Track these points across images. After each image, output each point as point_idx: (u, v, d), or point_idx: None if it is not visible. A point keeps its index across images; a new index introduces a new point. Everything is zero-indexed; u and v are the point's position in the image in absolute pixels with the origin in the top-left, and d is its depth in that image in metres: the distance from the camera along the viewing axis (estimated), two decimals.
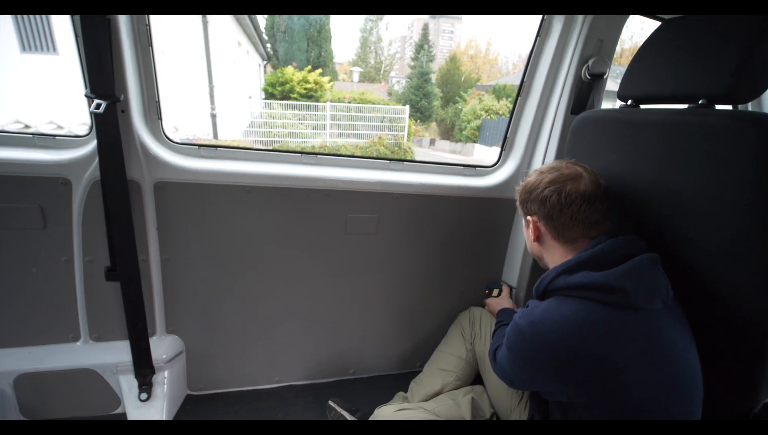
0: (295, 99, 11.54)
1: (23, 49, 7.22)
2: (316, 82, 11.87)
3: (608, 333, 0.74)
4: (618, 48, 1.35)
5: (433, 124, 19.86)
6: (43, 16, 7.30)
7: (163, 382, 1.43)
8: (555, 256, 0.93)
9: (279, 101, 11.33)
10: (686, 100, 0.89)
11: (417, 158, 10.63)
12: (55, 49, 7.39)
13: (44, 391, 1.37)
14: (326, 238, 1.48)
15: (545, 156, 1.46)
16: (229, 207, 1.37)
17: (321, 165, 1.47)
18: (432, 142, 18.25)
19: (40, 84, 7.18)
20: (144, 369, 1.36)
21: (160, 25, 7.26)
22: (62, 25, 7.59)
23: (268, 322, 1.54)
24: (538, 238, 0.95)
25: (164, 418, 1.41)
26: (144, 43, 1.19)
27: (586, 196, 0.86)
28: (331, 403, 1.45)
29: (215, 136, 9.03)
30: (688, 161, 0.83)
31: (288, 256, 1.47)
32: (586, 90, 1.37)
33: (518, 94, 1.51)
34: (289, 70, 12.12)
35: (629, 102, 1.02)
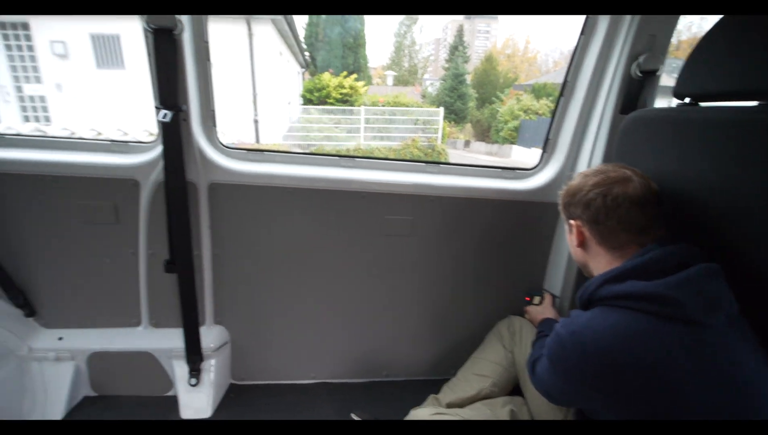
0: (331, 104, 11.81)
1: (98, 65, 8.10)
2: (351, 87, 12.07)
3: (658, 346, 0.68)
4: (673, 39, 1.25)
5: (468, 126, 19.50)
6: (116, 36, 8.09)
7: (210, 369, 1.52)
8: (600, 263, 0.88)
9: (316, 106, 11.65)
10: (754, 97, 0.81)
11: (451, 160, 10.50)
12: (122, 65, 8.20)
13: (111, 369, 1.51)
14: (363, 239, 1.50)
15: (591, 158, 1.39)
16: (273, 207, 1.43)
17: (359, 168, 1.49)
18: (467, 143, 17.94)
19: (111, 95, 7.97)
20: (194, 356, 1.46)
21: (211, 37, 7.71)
22: (129, 44, 8.34)
23: (307, 319, 1.59)
24: (581, 243, 0.91)
25: (210, 404, 1.50)
26: (203, 58, 1.28)
27: (635, 199, 0.80)
28: (353, 416, 1.46)
29: (257, 140, 9.46)
30: (755, 164, 0.75)
31: (326, 255, 1.51)
32: (636, 88, 1.29)
33: (561, 94, 1.45)
34: (326, 76, 12.42)
35: (687, 100, 0.95)
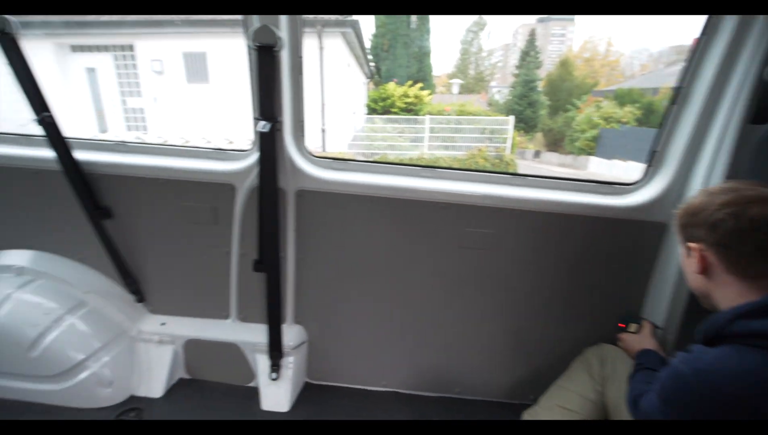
0: (395, 113, 12.08)
1: (188, 80, 9.30)
2: (416, 96, 12.24)
3: None
4: None
5: (538, 135, 18.63)
6: (203, 54, 9.20)
7: (289, 366, 1.63)
8: (729, 295, 0.79)
9: (380, 116, 11.99)
10: None
11: (520, 171, 10.09)
12: (207, 79, 9.29)
13: (202, 356, 1.69)
14: (441, 250, 1.51)
15: (709, 174, 1.26)
16: (354, 215, 1.51)
17: (438, 178, 1.51)
18: (537, 153, 17.13)
19: (199, 107, 9.07)
20: (275, 352, 1.58)
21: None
22: (212, 60, 9.38)
23: (381, 326, 1.64)
24: (704, 270, 0.83)
25: (288, 399, 1.61)
26: (297, 72, 1.40)
27: None
28: None
29: (323, 148, 9.98)
30: None
31: (404, 264, 1.55)
32: None
33: (672, 102, 1.34)
34: (391, 86, 12.74)
35: None
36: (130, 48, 10.14)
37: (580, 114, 15.87)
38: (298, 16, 1.32)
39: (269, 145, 1.35)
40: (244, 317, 1.67)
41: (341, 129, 10.43)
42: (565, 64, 21.51)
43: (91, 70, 10.44)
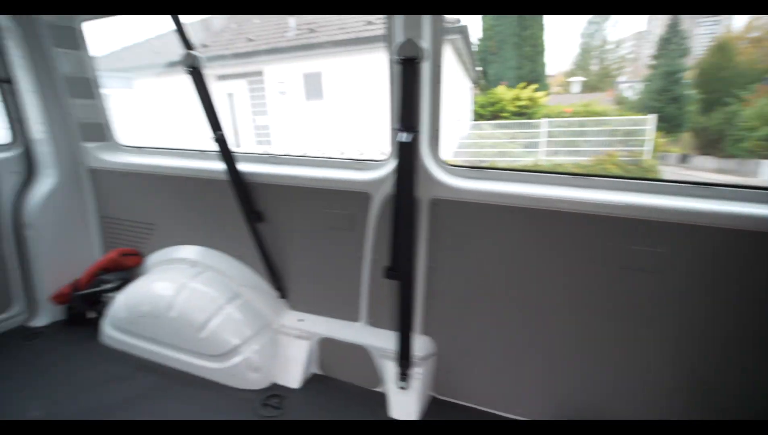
0: (506, 118, 11.58)
1: (307, 97, 10.63)
2: (530, 99, 11.56)
3: None
4: None
5: (685, 136, 15.78)
6: (318, 73, 10.35)
7: (417, 377, 1.64)
8: None
9: (488, 121, 11.63)
10: None
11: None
12: (321, 96, 10.45)
13: (334, 355, 1.82)
14: (593, 269, 1.36)
15: None
16: (492, 225, 1.46)
17: (590, 187, 1.37)
18: (684, 158, 14.51)
19: (316, 122, 10.25)
20: (404, 360, 1.60)
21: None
22: (326, 79, 10.43)
23: (518, 347, 1.54)
24: None
25: (415, 410, 1.60)
26: (436, 81, 1.43)
27: None
28: None
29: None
30: None
31: (546, 282, 1.43)
32: None
33: None
34: (500, 89, 12.29)
35: None
36: (260, 73, 11.90)
37: (747, 107, 12.98)
38: (440, 27, 1.35)
39: (408, 154, 1.39)
40: (374, 322, 1.75)
41: (447, 137, 10.46)
42: (722, 49, 17.91)
43: (230, 95, 12.56)
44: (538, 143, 10.26)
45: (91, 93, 2.24)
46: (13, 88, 2.12)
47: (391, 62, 1.43)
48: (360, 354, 1.74)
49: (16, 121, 2.18)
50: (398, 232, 1.49)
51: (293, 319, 1.90)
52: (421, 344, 1.66)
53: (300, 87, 11.38)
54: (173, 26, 1.67)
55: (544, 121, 10.39)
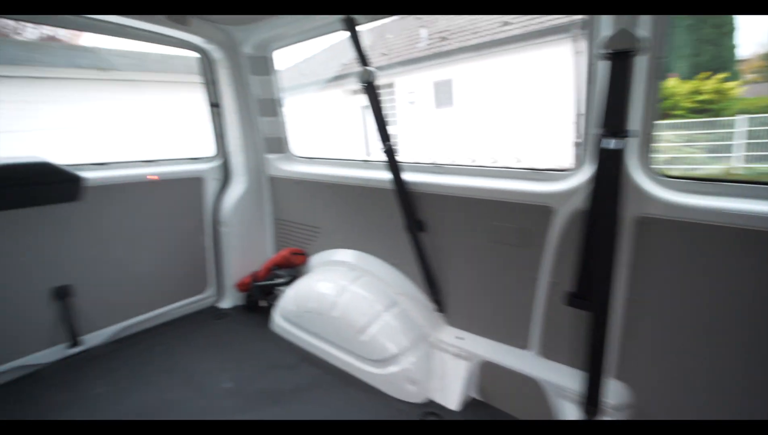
0: (680, 116, 9.72)
1: (437, 105, 10.89)
2: (716, 91, 9.45)
3: None
4: None
5: None
6: (449, 81, 10.47)
7: None
8: None
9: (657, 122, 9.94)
10: None
11: None
12: (452, 103, 10.53)
13: (497, 382, 1.70)
14: None
15: None
16: (726, 255, 1.16)
17: None
18: None
19: (446, 130, 10.42)
20: (591, 407, 1.39)
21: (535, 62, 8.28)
22: (457, 86, 10.44)
23: (743, 410, 1.19)
24: None
25: None
26: (656, 77, 1.22)
27: None
28: None
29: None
30: None
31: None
32: None
33: None
34: (671, 82, 10.37)
35: None
36: (391, 85, 12.62)
37: None
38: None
39: (612, 164, 1.21)
40: (547, 353, 1.58)
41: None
42: None
43: (364, 108, 13.66)
44: (732, 146, 8.26)
45: (275, 111, 2.63)
46: (220, 111, 2.64)
47: (593, 57, 1.28)
48: (530, 387, 1.58)
49: (219, 137, 2.71)
50: (591, 255, 1.31)
51: (451, 336, 1.86)
52: (612, 391, 1.42)
53: (430, 95, 11.67)
54: (351, 44, 1.83)
55: (740, 118, 8.36)
